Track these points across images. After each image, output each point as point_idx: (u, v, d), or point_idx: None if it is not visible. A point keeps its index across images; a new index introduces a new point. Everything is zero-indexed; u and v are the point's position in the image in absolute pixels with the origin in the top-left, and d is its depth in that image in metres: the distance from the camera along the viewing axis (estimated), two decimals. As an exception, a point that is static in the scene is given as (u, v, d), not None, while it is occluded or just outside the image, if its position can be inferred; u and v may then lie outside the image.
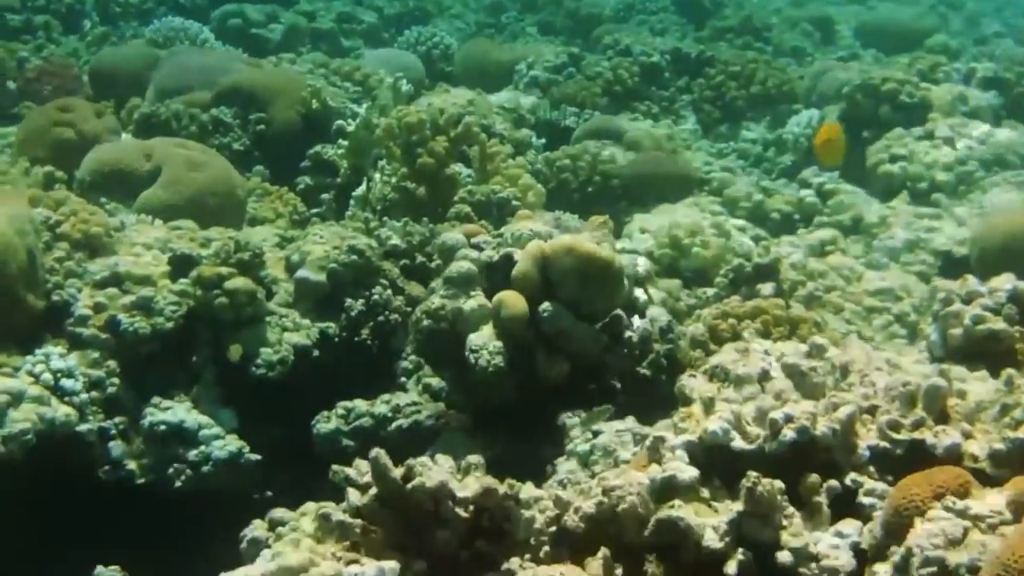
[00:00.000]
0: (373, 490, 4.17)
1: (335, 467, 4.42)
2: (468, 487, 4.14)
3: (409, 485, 4.08)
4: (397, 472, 4.11)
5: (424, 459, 4.23)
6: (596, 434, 5.68)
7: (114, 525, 6.47)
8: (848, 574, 3.78)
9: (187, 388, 7.19)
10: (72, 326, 6.99)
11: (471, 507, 4.12)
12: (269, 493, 6.62)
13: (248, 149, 11.10)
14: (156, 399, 7.03)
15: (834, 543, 3.87)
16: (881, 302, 8.03)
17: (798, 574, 3.82)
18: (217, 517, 5.92)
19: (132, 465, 6.89)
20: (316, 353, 7.53)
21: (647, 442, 4.35)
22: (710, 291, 8.05)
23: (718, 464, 4.15)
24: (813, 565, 3.82)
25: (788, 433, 4.04)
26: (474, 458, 4.34)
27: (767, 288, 7.52)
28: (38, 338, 6.88)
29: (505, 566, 3.98)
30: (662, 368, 6.36)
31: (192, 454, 6.88)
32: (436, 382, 7.37)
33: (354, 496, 4.25)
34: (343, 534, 4.21)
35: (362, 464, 4.29)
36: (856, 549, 3.83)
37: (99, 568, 5.48)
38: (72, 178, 9.17)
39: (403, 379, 7.73)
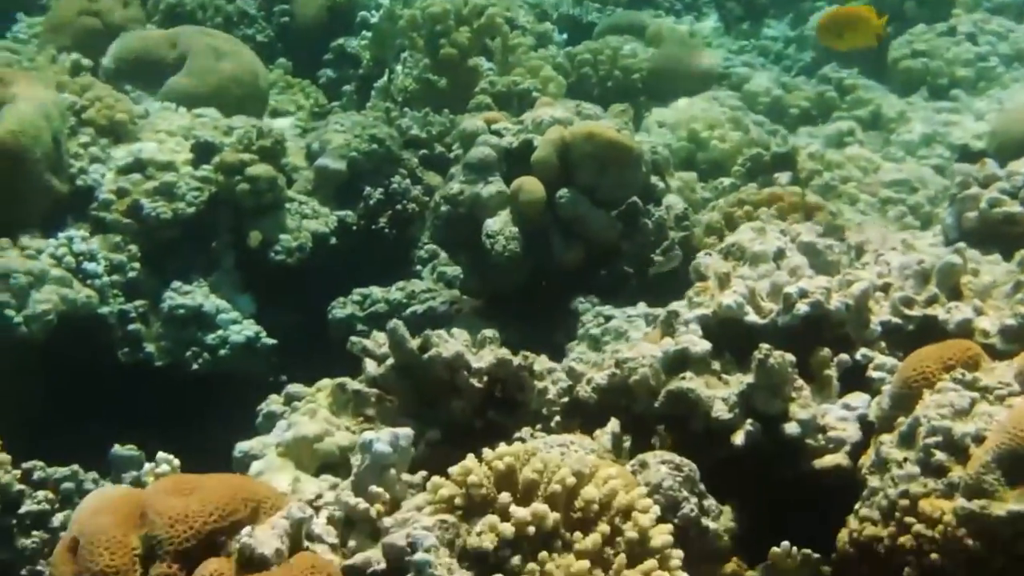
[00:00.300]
0: (390, 360, 4.22)
1: (353, 338, 4.47)
2: (483, 358, 4.18)
3: (426, 355, 4.13)
4: (414, 343, 4.16)
5: (440, 332, 4.27)
6: (608, 319, 5.72)
7: (132, 406, 6.54)
8: (854, 445, 3.82)
9: (206, 273, 7.26)
10: (95, 210, 7.04)
11: (485, 377, 4.16)
12: (284, 377, 6.66)
13: (271, 41, 11.07)
14: (176, 283, 7.09)
15: (842, 415, 3.90)
16: (896, 193, 8.00)
17: (805, 445, 3.86)
18: (233, 400, 5.97)
19: (151, 348, 6.97)
20: (334, 240, 7.59)
21: (661, 316, 4.39)
22: (727, 181, 8.05)
23: (731, 338, 4.18)
24: (820, 436, 3.86)
25: (801, 307, 4.06)
26: (489, 332, 4.39)
27: (784, 177, 7.52)
28: (61, 221, 6.93)
29: (516, 435, 4.02)
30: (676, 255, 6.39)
31: (210, 338, 6.96)
32: (451, 270, 7.43)
33: (371, 366, 4.30)
34: (359, 403, 4.27)
35: (380, 336, 4.33)
36: (864, 421, 3.87)
37: (116, 447, 5.54)
38: (98, 67, 9.16)
39: (418, 267, 7.81)
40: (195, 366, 6.92)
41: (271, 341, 7.04)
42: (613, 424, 3.99)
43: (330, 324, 7.15)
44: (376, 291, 7.24)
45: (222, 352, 6.92)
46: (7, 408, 5.87)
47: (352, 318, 7.09)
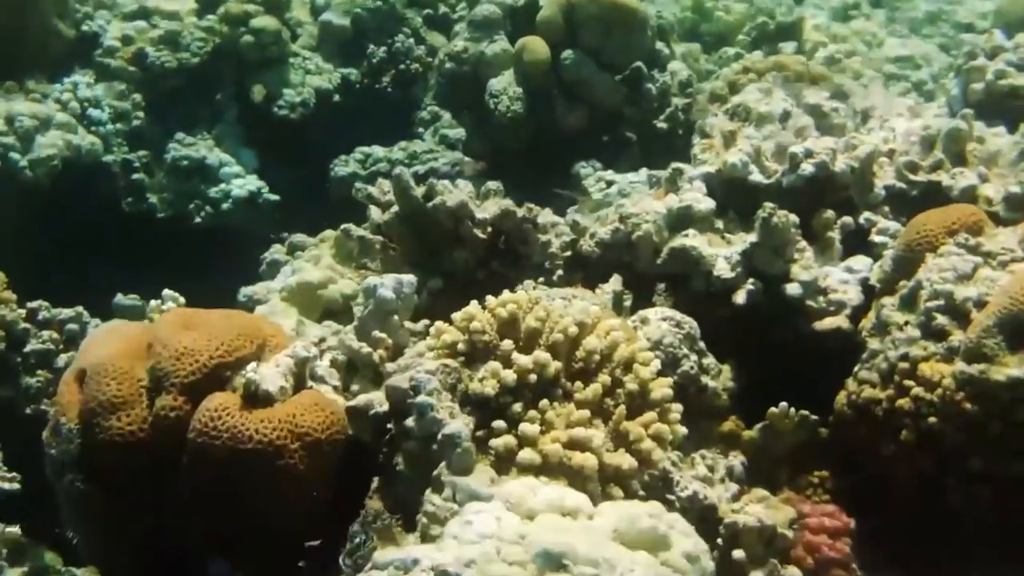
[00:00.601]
0: (394, 208, 4.21)
1: (358, 184, 4.46)
2: (487, 209, 4.18)
3: (430, 203, 4.12)
4: (419, 191, 4.15)
5: (445, 182, 4.25)
6: (610, 183, 5.71)
7: (136, 256, 6.56)
8: (855, 308, 3.83)
9: (210, 126, 7.25)
10: (100, 57, 7.02)
11: (489, 228, 4.15)
12: (286, 234, 6.69)
13: None
14: (180, 135, 7.08)
15: (843, 278, 3.90)
16: (900, 69, 7.97)
17: (806, 307, 3.87)
18: (236, 253, 5.99)
19: (154, 199, 6.99)
20: (337, 98, 7.57)
21: (665, 173, 4.37)
22: (731, 51, 8.01)
23: (735, 197, 4.17)
24: (821, 298, 3.86)
25: (807, 167, 4.04)
26: (493, 184, 4.37)
27: (789, 47, 7.49)
28: (67, 67, 6.90)
29: (519, 287, 4.01)
30: (679, 122, 6.38)
31: (213, 191, 6.98)
32: (453, 133, 7.43)
33: (375, 213, 4.29)
34: (363, 250, 4.27)
35: (384, 183, 4.32)
36: (865, 285, 3.87)
37: (119, 296, 5.56)
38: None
39: (420, 129, 7.79)
40: (198, 219, 6.94)
41: (274, 197, 7.07)
42: (615, 281, 4.00)
43: (331, 182, 7.16)
44: (378, 150, 7.25)
45: (224, 206, 6.94)
46: (12, 252, 5.89)
47: (354, 176, 7.08)
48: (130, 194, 6.93)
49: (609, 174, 5.93)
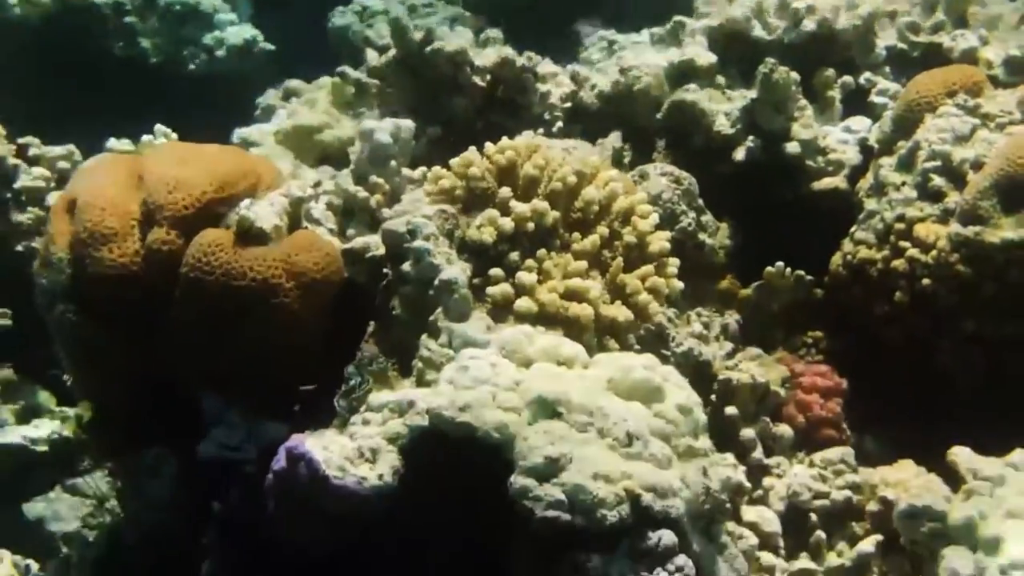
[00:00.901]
0: (392, 52, 4.17)
1: (355, 28, 4.43)
2: (486, 57, 4.14)
3: (428, 48, 4.08)
4: (417, 35, 4.11)
5: (444, 28, 4.22)
6: (612, 43, 5.67)
7: (128, 101, 6.50)
8: (853, 168, 3.82)
9: (208, -27, 7.18)
10: (94, -101, 6.92)
11: (488, 76, 4.12)
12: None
13: None
14: (174, -21, 7.02)
15: (842, 138, 3.90)
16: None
17: (805, 166, 3.86)
18: (230, 102, 5.94)
19: (146, 43, 6.90)
20: (338, -51, 7.47)
21: (668, 26, 4.34)
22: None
23: (737, 53, 4.15)
24: (820, 158, 3.85)
25: (808, 23, 4.03)
26: (493, 32, 4.34)
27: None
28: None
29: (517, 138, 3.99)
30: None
31: (207, 38, 6.89)
32: (454, -11, 7.35)
33: (372, 56, 4.25)
34: (360, 94, 4.23)
35: (383, 27, 4.28)
36: (864, 145, 3.86)
37: (111, 140, 5.51)
38: None
39: (420, -17, 7.70)
40: (191, 66, 6.87)
41: (269, 46, 6.98)
42: (614, 137, 3.98)
43: (328, 31, 7.08)
44: (376, 2, 7.15)
45: (219, 53, 6.86)
46: (5, 94, 5.85)
47: (351, 27, 7.00)
48: (121, 38, 6.84)
49: (611, 33, 5.88)
